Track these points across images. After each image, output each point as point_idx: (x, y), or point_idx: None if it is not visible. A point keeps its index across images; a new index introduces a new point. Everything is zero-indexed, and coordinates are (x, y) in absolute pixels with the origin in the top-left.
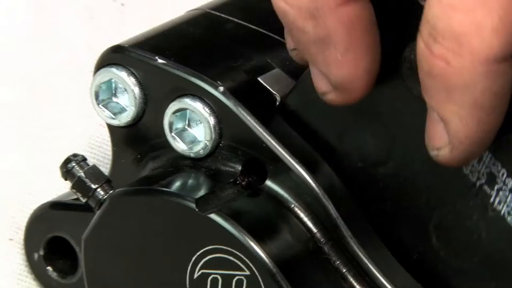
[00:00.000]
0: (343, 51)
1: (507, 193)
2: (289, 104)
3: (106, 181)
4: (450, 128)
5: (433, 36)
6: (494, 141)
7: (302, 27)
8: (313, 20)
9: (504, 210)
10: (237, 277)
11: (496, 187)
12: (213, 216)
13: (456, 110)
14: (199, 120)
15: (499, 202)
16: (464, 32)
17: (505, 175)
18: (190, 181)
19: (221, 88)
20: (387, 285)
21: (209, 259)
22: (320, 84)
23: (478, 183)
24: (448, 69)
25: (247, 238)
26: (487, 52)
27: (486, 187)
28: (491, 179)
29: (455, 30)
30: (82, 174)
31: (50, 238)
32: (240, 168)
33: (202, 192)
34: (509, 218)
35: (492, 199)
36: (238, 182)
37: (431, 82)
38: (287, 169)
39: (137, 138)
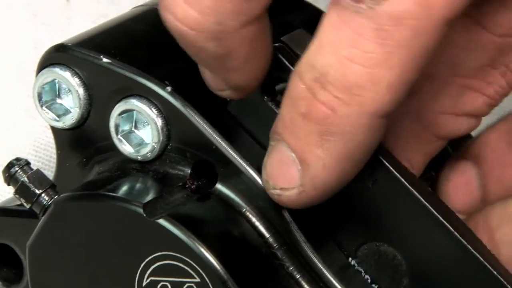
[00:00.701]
0: (243, 61)
1: None
2: (231, 112)
3: (51, 186)
4: (308, 173)
5: (321, 83)
6: (355, 249)
7: (203, 47)
8: (215, 41)
9: None
10: (187, 284)
11: None
12: (161, 221)
13: (323, 157)
14: (146, 122)
15: None
16: (359, 85)
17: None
18: (138, 185)
19: (169, 88)
20: None
21: (158, 266)
22: (217, 84)
23: None
24: (330, 116)
25: (196, 244)
26: (376, 107)
27: None
28: None
29: (349, 81)
30: (26, 179)
31: None
32: (189, 171)
33: (150, 197)
34: None
35: None
36: (187, 185)
37: (304, 124)
38: (238, 171)
39: (82, 141)
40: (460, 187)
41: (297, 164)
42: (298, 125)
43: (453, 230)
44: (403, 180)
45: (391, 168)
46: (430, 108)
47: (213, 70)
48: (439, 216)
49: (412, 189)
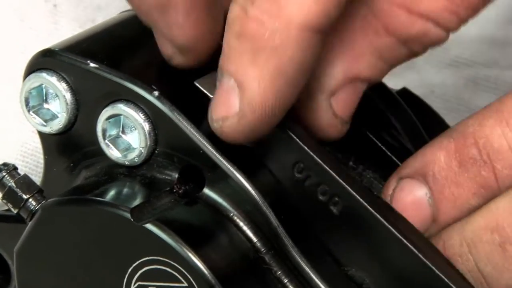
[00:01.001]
0: (184, 14)
1: None
2: None
3: (38, 191)
4: (245, 94)
5: None
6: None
7: None
8: None
9: None
10: None
11: None
12: (148, 226)
13: (257, 75)
14: (134, 126)
15: None
16: None
17: None
18: (125, 190)
19: (156, 93)
20: None
21: (146, 270)
22: (165, 48)
23: None
24: (260, 31)
25: (184, 249)
26: (303, 19)
27: None
28: None
29: None
30: (13, 184)
31: None
32: (176, 175)
33: (137, 201)
34: None
35: None
36: (174, 190)
37: (238, 44)
38: (226, 176)
39: (70, 146)
40: (409, 206)
41: (235, 90)
42: (233, 48)
43: (416, 251)
44: (366, 204)
45: (354, 191)
46: None
47: (156, 26)
48: (402, 238)
49: (377, 214)
